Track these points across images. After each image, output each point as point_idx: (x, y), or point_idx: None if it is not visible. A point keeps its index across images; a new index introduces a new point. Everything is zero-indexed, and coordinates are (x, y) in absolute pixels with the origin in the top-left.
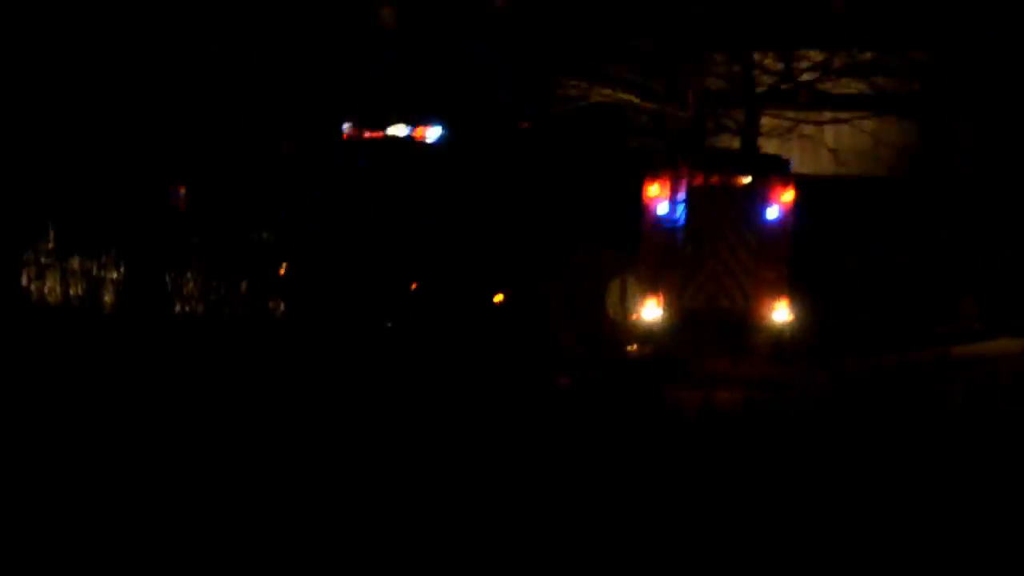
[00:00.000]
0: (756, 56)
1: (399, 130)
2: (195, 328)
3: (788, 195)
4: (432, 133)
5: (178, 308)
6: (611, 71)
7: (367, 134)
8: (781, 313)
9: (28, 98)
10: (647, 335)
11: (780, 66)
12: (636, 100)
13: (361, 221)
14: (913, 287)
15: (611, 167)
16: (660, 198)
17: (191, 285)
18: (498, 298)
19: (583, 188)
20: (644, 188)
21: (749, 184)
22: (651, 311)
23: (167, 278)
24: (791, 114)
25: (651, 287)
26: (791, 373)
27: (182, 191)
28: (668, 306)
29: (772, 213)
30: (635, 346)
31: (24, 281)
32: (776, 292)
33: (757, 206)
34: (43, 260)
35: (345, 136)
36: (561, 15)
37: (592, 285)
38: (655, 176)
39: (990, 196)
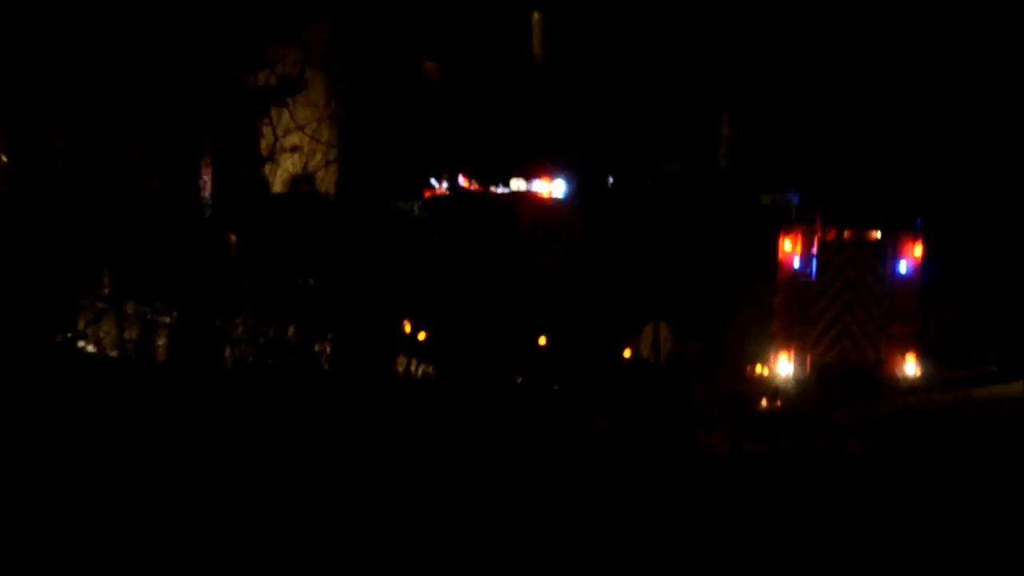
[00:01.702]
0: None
1: (521, 184)
2: (244, 374)
3: (917, 250)
4: (558, 188)
5: (228, 352)
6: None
7: (490, 189)
8: (910, 367)
9: (88, 150)
10: (780, 390)
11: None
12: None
13: (489, 276)
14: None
15: (747, 223)
16: (794, 253)
17: (240, 330)
18: (627, 353)
19: (718, 244)
20: (779, 243)
21: (880, 239)
22: (784, 366)
23: (217, 323)
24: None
25: (784, 342)
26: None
27: (233, 239)
28: (799, 361)
29: (903, 267)
30: (766, 400)
31: (81, 325)
32: (905, 347)
33: (887, 261)
34: (99, 305)
35: (466, 190)
36: None
37: (728, 341)
38: (789, 231)
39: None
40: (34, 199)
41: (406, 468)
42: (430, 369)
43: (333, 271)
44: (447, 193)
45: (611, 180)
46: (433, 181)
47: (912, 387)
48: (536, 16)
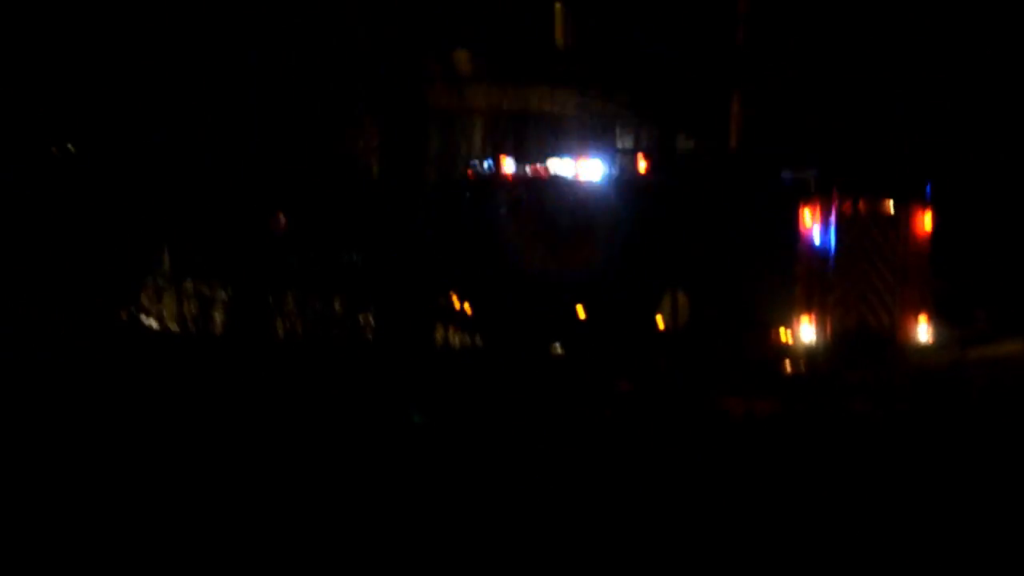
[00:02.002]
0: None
1: (561, 166)
2: (294, 344)
3: (928, 219)
4: (594, 168)
5: (280, 325)
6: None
7: (531, 170)
8: (923, 331)
9: (148, 135)
10: (802, 353)
11: None
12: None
13: (531, 252)
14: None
15: (770, 196)
16: (814, 224)
17: (290, 304)
18: (659, 322)
19: (743, 217)
20: (800, 215)
21: (893, 209)
22: (806, 331)
23: (268, 298)
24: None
25: (805, 308)
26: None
27: (283, 219)
28: (820, 326)
29: (914, 236)
30: (789, 363)
31: (144, 302)
32: (918, 311)
33: (900, 230)
34: (160, 283)
35: (509, 173)
36: None
37: (754, 307)
38: (809, 203)
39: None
40: (101, 185)
41: (441, 430)
42: (476, 339)
43: (375, 248)
44: (491, 174)
45: (642, 159)
46: (478, 163)
47: (924, 349)
48: (558, 6)
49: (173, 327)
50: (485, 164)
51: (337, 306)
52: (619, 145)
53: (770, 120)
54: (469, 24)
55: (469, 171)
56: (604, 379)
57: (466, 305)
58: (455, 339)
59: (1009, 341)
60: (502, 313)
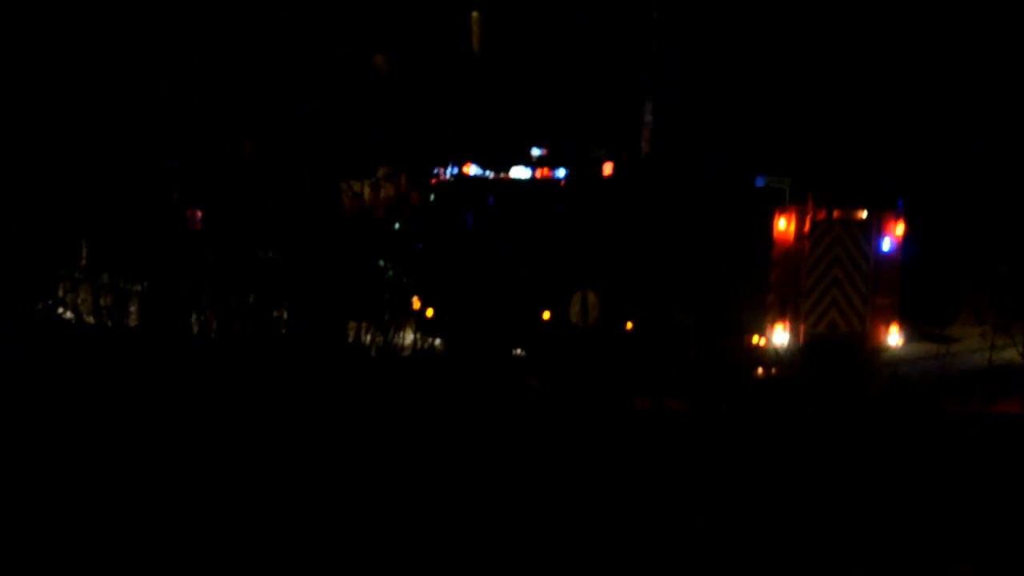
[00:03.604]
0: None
1: (522, 172)
2: (207, 338)
3: (899, 228)
4: (558, 173)
5: (193, 318)
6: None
7: (491, 175)
8: (893, 337)
9: (66, 132)
10: (775, 358)
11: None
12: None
13: (493, 256)
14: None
15: (743, 203)
16: (788, 231)
17: (204, 298)
18: (629, 326)
19: (717, 223)
20: (774, 223)
21: (866, 218)
22: (780, 336)
23: (182, 292)
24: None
25: (779, 314)
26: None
27: (199, 215)
28: (793, 332)
29: (886, 245)
30: (761, 369)
31: (60, 294)
32: (888, 318)
33: (872, 238)
34: (77, 275)
35: (468, 176)
36: None
37: (726, 313)
38: (784, 211)
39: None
40: (16, 182)
41: (348, 426)
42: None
43: (290, 245)
44: (451, 179)
45: (606, 167)
46: (440, 169)
47: (894, 355)
48: (475, 15)
49: (89, 319)
50: (449, 169)
51: (251, 301)
52: (582, 151)
53: (753, 132)
54: (388, 30)
55: (433, 179)
56: (515, 378)
57: (416, 302)
58: (369, 337)
59: (977, 347)
60: (455, 314)
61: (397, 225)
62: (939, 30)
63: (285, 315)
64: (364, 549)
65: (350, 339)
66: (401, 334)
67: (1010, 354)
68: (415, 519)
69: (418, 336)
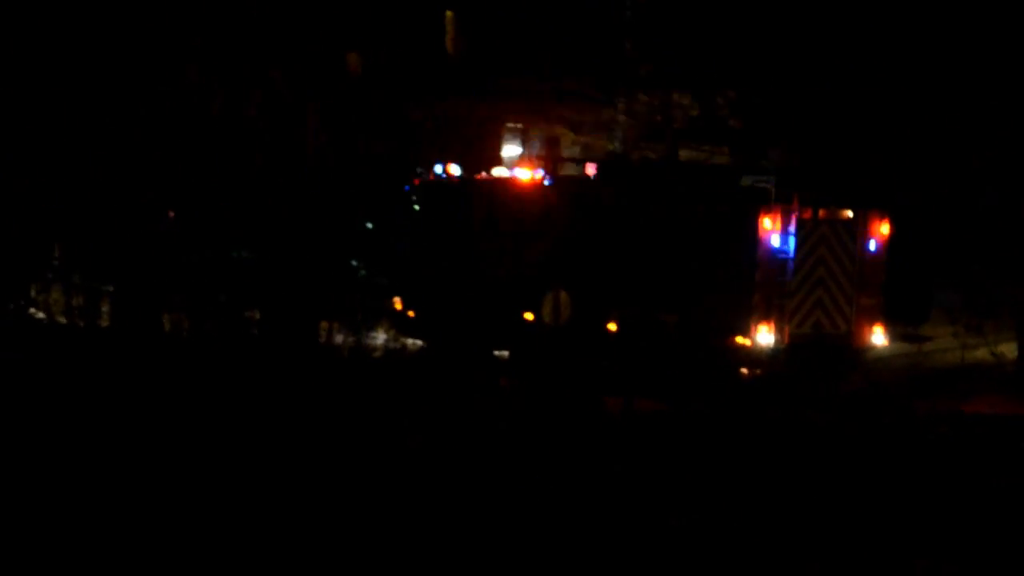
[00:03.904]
0: (675, 96)
1: (503, 172)
2: (178, 337)
3: (884, 228)
4: (542, 176)
5: (165, 318)
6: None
7: (476, 176)
8: (878, 337)
9: (41, 132)
10: (760, 359)
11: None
12: (570, 133)
13: (475, 256)
14: None
15: (728, 203)
16: (773, 231)
17: (176, 298)
18: (612, 327)
19: (701, 222)
20: (759, 222)
21: (851, 218)
22: (764, 337)
23: (154, 291)
24: (706, 147)
25: (764, 314)
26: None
27: (171, 216)
28: (778, 332)
29: (871, 244)
30: (746, 369)
31: (32, 293)
32: (873, 318)
33: (858, 238)
34: (49, 276)
35: (451, 176)
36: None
37: (710, 314)
38: (769, 211)
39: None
40: None
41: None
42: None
43: (262, 245)
44: (434, 180)
45: (588, 167)
46: (425, 169)
47: (878, 355)
48: (449, 15)
49: (61, 319)
50: (436, 170)
51: (223, 301)
52: (560, 152)
53: (737, 131)
54: (361, 29)
55: (416, 179)
56: (486, 377)
57: (397, 302)
58: (341, 337)
59: (949, 347)
60: (436, 315)
61: (369, 225)
62: (923, 30)
63: (257, 315)
64: (333, 546)
65: (322, 339)
66: (373, 334)
67: (982, 353)
68: (383, 517)
69: (389, 336)
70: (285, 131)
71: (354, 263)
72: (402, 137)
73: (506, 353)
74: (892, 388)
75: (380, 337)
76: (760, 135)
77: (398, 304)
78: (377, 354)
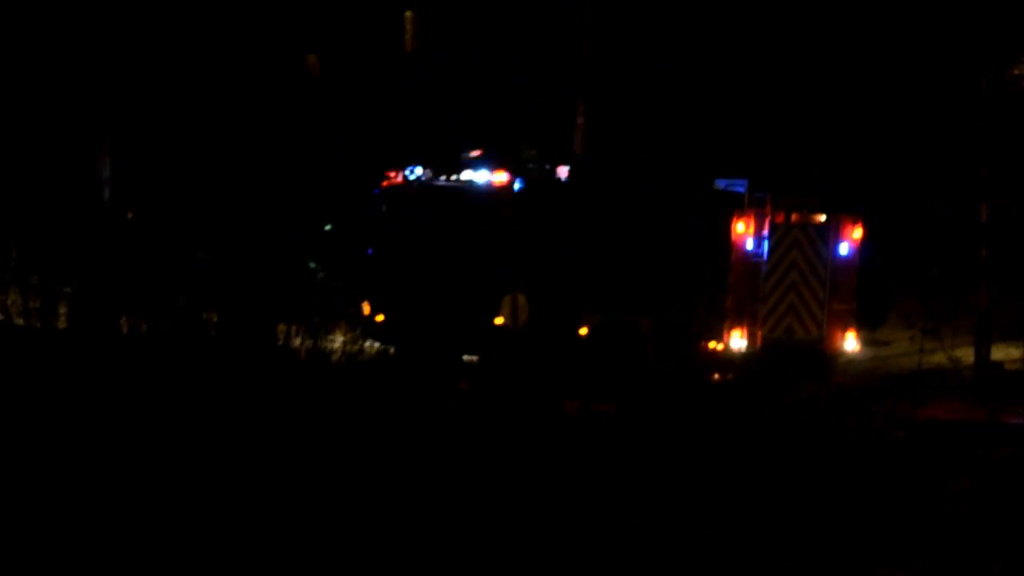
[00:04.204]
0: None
1: (473, 176)
2: (136, 338)
3: (858, 232)
4: (510, 178)
5: (123, 319)
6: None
7: (444, 178)
8: (850, 342)
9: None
10: (732, 363)
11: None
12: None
13: (444, 260)
14: None
15: (701, 206)
16: (747, 235)
17: (135, 298)
18: (584, 331)
19: (674, 226)
20: (732, 226)
21: (824, 222)
22: (737, 341)
23: (112, 292)
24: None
25: (736, 318)
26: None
27: (130, 215)
28: (751, 336)
29: (843, 249)
30: (718, 374)
31: None
32: (845, 323)
33: (831, 242)
34: (6, 277)
35: (420, 179)
36: None
37: (683, 318)
38: (742, 215)
39: None
40: None
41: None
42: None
43: (220, 247)
44: (402, 183)
45: (560, 170)
46: (391, 173)
47: (850, 360)
48: (408, 14)
49: (18, 320)
50: (406, 172)
51: (182, 303)
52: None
53: (711, 135)
54: (320, 31)
55: (384, 182)
56: (446, 381)
57: (366, 307)
58: (299, 340)
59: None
60: (404, 319)
61: (328, 227)
62: (892, 36)
63: (215, 317)
64: (284, 551)
65: (280, 342)
66: (331, 337)
67: (939, 358)
68: (333, 515)
69: (347, 339)
70: (242, 133)
71: (312, 265)
72: (360, 138)
73: (476, 358)
74: (849, 392)
75: (338, 340)
76: (733, 137)
77: (367, 308)
78: (335, 357)
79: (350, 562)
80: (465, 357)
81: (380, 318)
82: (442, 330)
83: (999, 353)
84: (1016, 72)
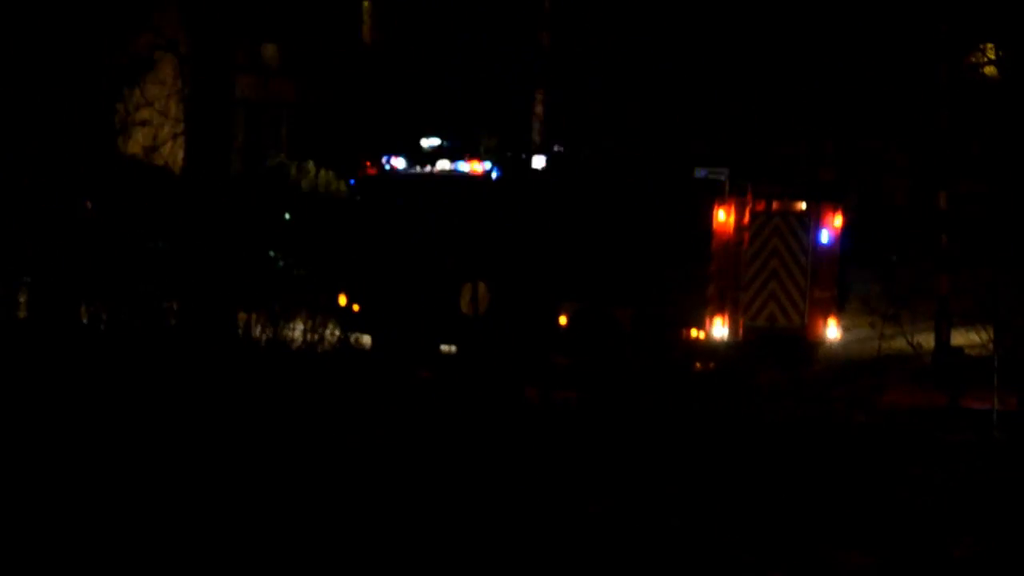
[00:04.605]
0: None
1: (450, 166)
2: (96, 328)
3: (838, 220)
4: (486, 168)
5: (83, 309)
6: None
7: (422, 169)
8: (832, 330)
9: None
10: (714, 352)
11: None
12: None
13: (423, 250)
14: None
15: (682, 195)
16: (728, 223)
17: (94, 289)
18: (563, 320)
19: (655, 215)
20: (713, 214)
21: (804, 210)
22: (719, 330)
23: (72, 282)
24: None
25: (718, 307)
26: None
27: (88, 205)
28: (732, 325)
29: (824, 236)
30: (700, 363)
31: None
32: (826, 311)
33: (811, 230)
34: None
35: (396, 169)
36: None
37: (663, 305)
38: (723, 203)
39: None
40: None
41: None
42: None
43: (180, 236)
44: (379, 173)
45: (539, 160)
46: (366, 163)
47: (832, 348)
48: (366, 4)
49: None
50: (380, 163)
51: (142, 292)
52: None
53: (690, 123)
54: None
55: (360, 171)
56: (406, 369)
57: (342, 298)
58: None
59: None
60: (382, 310)
61: (287, 216)
62: (855, 23)
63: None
64: (242, 539)
65: (240, 330)
66: (292, 325)
67: (900, 343)
68: (288, 504)
69: (307, 327)
70: (199, 123)
71: (272, 253)
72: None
73: (453, 348)
74: (809, 378)
75: (299, 328)
76: (710, 125)
77: (343, 299)
78: (296, 345)
79: (296, 541)
80: (444, 347)
81: (357, 308)
82: (419, 320)
83: (960, 338)
84: (974, 60)
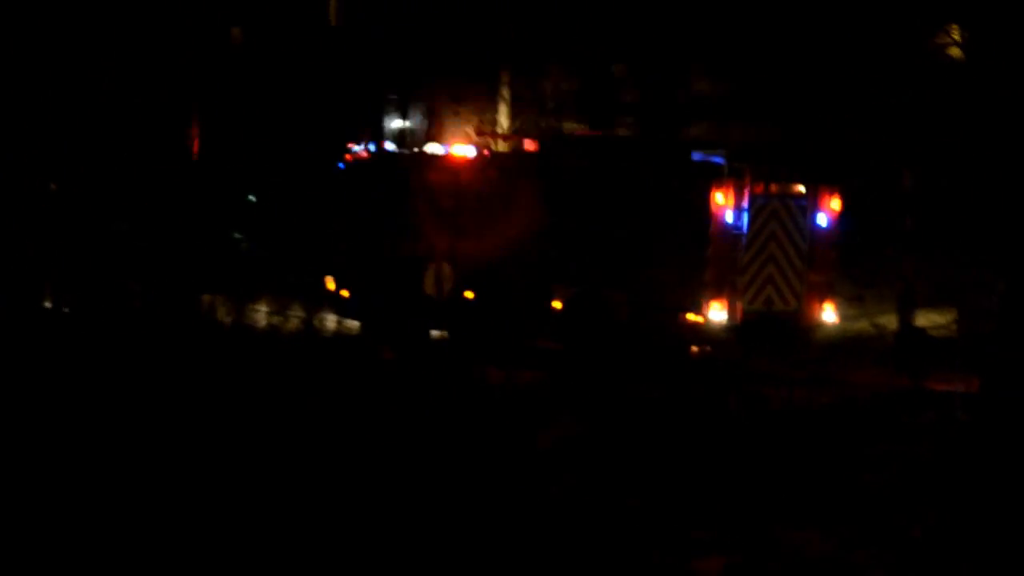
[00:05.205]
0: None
1: (439, 149)
2: (61, 309)
3: (836, 203)
4: (468, 150)
5: (47, 291)
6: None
7: (411, 152)
8: (829, 314)
9: None
10: (712, 336)
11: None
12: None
13: (412, 234)
14: None
15: (680, 177)
16: (726, 206)
17: (59, 271)
18: (557, 304)
19: (652, 198)
20: (711, 197)
21: (802, 193)
22: (717, 313)
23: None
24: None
25: (716, 290)
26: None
27: (54, 187)
28: (730, 308)
29: (822, 220)
30: (696, 347)
31: None
32: (823, 294)
33: (809, 214)
34: None
35: (384, 152)
36: None
37: (661, 290)
38: (721, 185)
39: None
40: None
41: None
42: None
43: (142, 217)
44: (367, 157)
45: (527, 142)
46: (354, 145)
47: (828, 332)
48: None
49: None
50: (368, 146)
51: (105, 274)
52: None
53: (689, 104)
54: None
55: (348, 155)
56: (368, 350)
57: (330, 282)
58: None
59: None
60: (370, 294)
61: (252, 198)
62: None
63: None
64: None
65: (204, 312)
66: (256, 307)
67: (862, 325)
68: (247, 486)
69: (271, 309)
70: (166, 104)
71: (236, 235)
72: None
73: (445, 333)
74: (771, 359)
75: (263, 310)
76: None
77: (331, 284)
78: (260, 327)
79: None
80: (435, 332)
81: (345, 293)
82: (408, 305)
83: (923, 320)
84: (940, 41)
